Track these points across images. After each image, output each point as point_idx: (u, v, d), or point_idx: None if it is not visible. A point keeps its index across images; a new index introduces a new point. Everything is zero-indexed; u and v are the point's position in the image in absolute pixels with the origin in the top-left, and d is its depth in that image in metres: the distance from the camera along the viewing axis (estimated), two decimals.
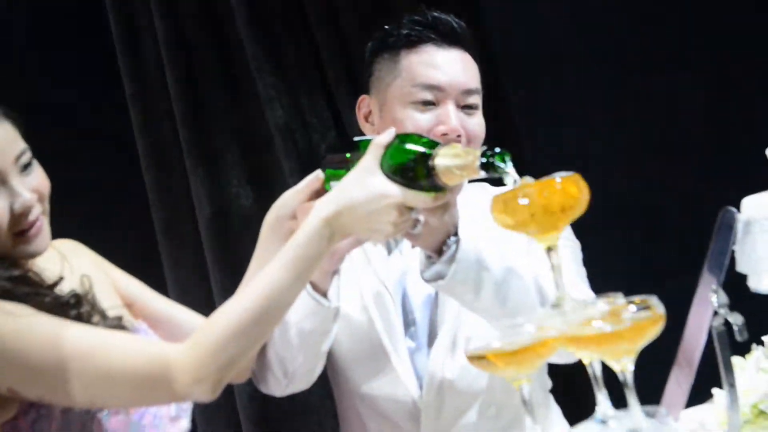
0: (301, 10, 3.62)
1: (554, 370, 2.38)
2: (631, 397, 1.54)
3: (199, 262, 3.71)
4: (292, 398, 3.59)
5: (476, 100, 2.25)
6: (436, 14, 2.28)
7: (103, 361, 1.74)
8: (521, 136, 3.24)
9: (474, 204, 2.20)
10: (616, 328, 1.46)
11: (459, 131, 2.20)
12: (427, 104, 2.21)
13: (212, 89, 3.67)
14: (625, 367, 1.52)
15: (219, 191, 3.66)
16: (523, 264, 2.05)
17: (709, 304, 1.78)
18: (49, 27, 3.65)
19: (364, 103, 2.31)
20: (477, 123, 2.24)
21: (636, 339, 1.48)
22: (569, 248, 2.25)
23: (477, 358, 1.57)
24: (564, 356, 2.08)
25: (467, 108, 2.24)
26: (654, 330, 1.49)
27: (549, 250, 1.60)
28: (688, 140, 3.31)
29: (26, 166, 1.87)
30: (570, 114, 3.34)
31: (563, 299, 1.58)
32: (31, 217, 1.86)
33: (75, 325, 1.81)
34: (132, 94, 3.71)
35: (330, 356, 2.28)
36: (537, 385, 2.33)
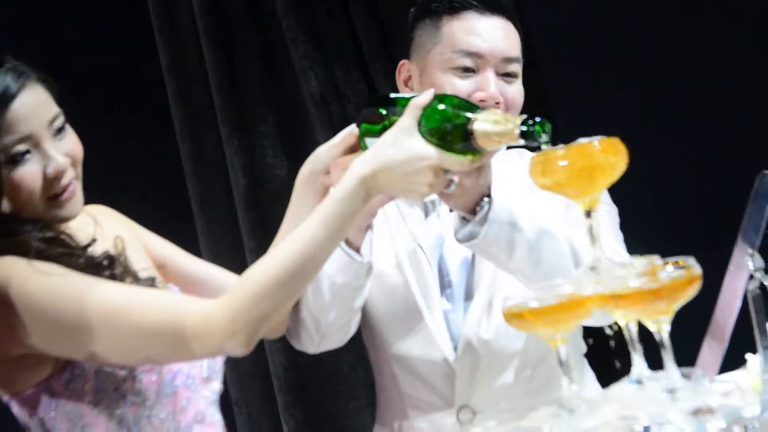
0: None
1: (587, 335, 2.39)
2: (668, 358, 1.55)
3: (234, 233, 3.74)
4: (325, 367, 3.66)
5: (516, 68, 2.26)
6: None
7: (137, 317, 1.77)
8: (552, 105, 3.25)
9: (511, 170, 2.21)
10: (652, 287, 1.47)
11: (498, 98, 2.21)
12: (467, 71, 2.22)
13: (247, 60, 3.69)
14: (661, 327, 1.54)
15: (254, 162, 3.69)
16: (557, 227, 2.06)
17: (744, 267, 1.79)
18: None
19: (404, 68, 2.32)
20: (516, 91, 2.25)
21: (673, 298, 1.49)
22: (607, 213, 2.26)
23: (513, 317, 1.58)
24: (600, 318, 2.09)
25: (507, 76, 2.25)
26: (691, 290, 1.50)
27: (587, 212, 1.62)
28: (725, 106, 3.29)
29: (59, 131, 1.88)
30: (604, 82, 3.34)
31: (600, 260, 1.60)
32: (64, 181, 1.87)
33: (108, 283, 1.83)
34: (168, 65, 3.74)
35: (365, 316, 2.30)
36: (572, 349, 2.34)
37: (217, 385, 2.00)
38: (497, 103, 2.22)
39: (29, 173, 1.85)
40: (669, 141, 3.29)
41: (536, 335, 1.61)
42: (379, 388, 2.39)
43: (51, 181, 1.87)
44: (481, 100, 2.18)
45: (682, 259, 1.52)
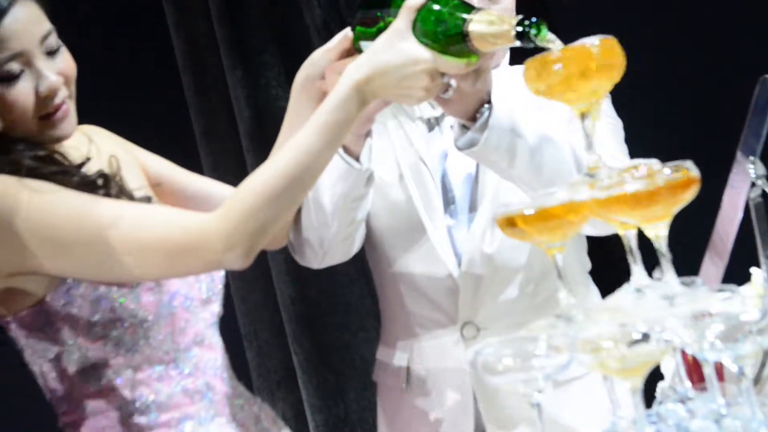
0: None
1: (594, 252, 2.38)
2: (666, 265, 1.53)
3: (239, 164, 3.72)
4: (334, 299, 3.65)
5: None
6: None
7: (132, 232, 1.74)
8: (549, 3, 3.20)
9: (513, 83, 2.17)
10: (649, 187, 1.44)
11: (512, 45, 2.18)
12: None
13: None
14: (659, 233, 1.51)
15: (258, 93, 3.66)
16: (560, 134, 2.04)
17: (746, 175, 1.76)
18: None
19: None
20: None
21: (670, 200, 1.46)
22: (611, 125, 2.23)
23: (507, 224, 1.56)
24: (600, 227, 2.07)
25: None
26: (688, 192, 1.47)
27: (583, 116, 1.58)
28: (726, 12, 3.24)
29: (52, 48, 1.85)
30: None
31: (598, 165, 1.57)
32: (57, 100, 1.84)
33: (103, 199, 1.81)
34: None
35: (368, 233, 2.28)
36: (576, 265, 2.33)
37: (216, 308, 1.98)
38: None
39: (21, 92, 1.82)
40: (667, 44, 3.23)
41: (532, 243, 1.59)
42: (383, 307, 2.39)
43: (43, 100, 1.83)
44: None
45: (679, 163, 1.49)
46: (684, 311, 1.45)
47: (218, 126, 3.74)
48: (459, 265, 2.23)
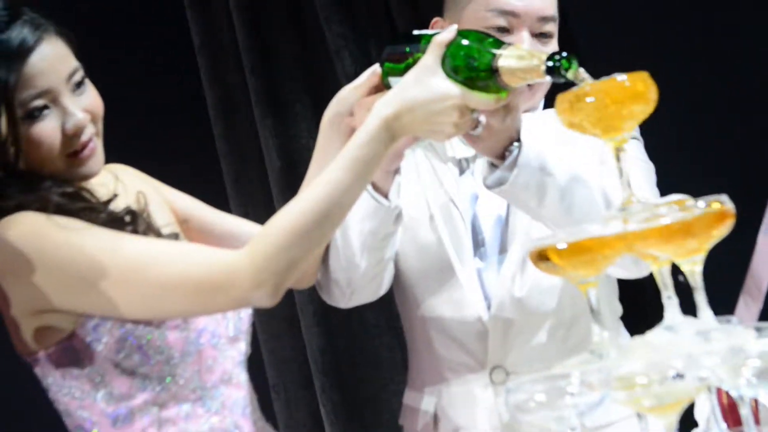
0: None
1: (623, 297, 2.35)
2: (701, 300, 1.50)
3: (269, 215, 3.69)
4: (363, 350, 3.63)
5: (552, 28, 2.22)
6: None
7: (160, 269, 1.74)
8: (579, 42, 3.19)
9: (545, 124, 2.17)
10: (683, 219, 1.42)
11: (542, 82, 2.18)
12: (502, 30, 2.17)
13: (281, 39, 3.66)
14: (694, 268, 1.49)
15: (289, 142, 3.66)
16: (590, 174, 2.02)
17: None
18: None
19: (438, 25, 2.28)
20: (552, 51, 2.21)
21: (705, 233, 1.44)
22: (644, 169, 2.21)
23: (539, 257, 1.54)
24: (631, 269, 2.05)
25: (542, 36, 2.20)
26: (724, 225, 1.45)
27: (617, 151, 1.57)
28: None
29: (79, 85, 1.85)
30: (636, 40, 3.28)
31: (631, 200, 1.55)
32: (84, 137, 1.84)
33: (131, 236, 1.81)
34: (200, 44, 3.72)
35: (397, 275, 2.27)
36: (607, 309, 2.30)
37: (243, 346, 1.96)
38: None
39: (47, 129, 1.82)
40: (699, 95, 3.21)
41: (565, 278, 1.57)
42: (411, 351, 2.36)
43: (70, 138, 1.83)
44: None
45: (714, 197, 1.47)
46: (719, 347, 1.42)
47: (249, 175, 3.74)
48: (488, 308, 2.21)
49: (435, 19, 2.29)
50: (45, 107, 1.81)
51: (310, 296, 3.60)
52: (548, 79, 1.69)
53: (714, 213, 1.44)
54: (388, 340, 3.60)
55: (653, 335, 1.53)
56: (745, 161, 3.04)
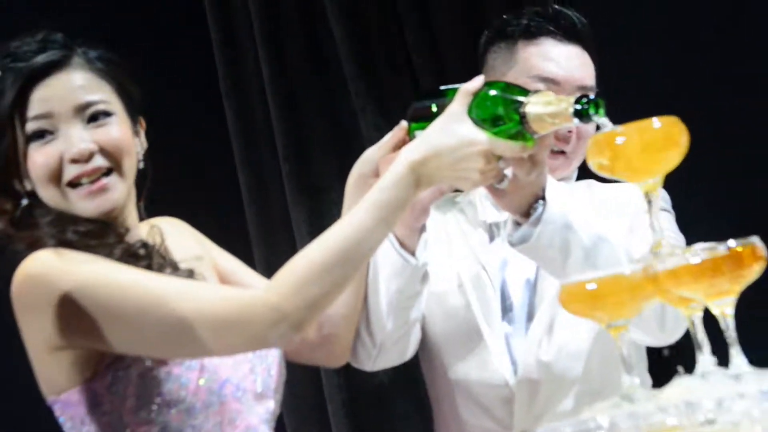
0: (406, 53, 3.64)
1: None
2: (733, 345, 1.48)
3: None
4: (385, 407, 3.58)
5: None
6: (557, 8, 2.30)
7: (174, 305, 1.72)
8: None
9: (577, 195, 2.17)
10: (713, 256, 1.41)
11: (571, 127, 2.19)
12: None
13: (315, 124, 3.70)
14: (725, 311, 1.47)
15: (323, 228, 3.66)
16: (618, 239, 2.01)
17: None
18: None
19: None
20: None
21: (735, 272, 1.42)
22: (668, 216, 2.21)
23: (569, 299, 1.53)
24: (659, 336, 2.04)
25: None
26: (755, 265, 1.43)
27: (647, 196, 1.56)
28: None
29: (95, 118, 1.86)
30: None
31: (661, 244, 1.54)
32: (88, 166, 1.83)
33: (143, 272, 1.80)
34: (234, 126, 3.77)
35: (423, 339, 2.24)
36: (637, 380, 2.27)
37: (272, 405, 1.93)
38: (569, 131, 2.21)
39: (44, 152, 1.83)
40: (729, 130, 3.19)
41: (594, 321, 1.55)
42: (435, 417, 2.33)
43: (69, 165, 1.83)
44: None
45: (745, 239, 1.46)
46: (751, 390, 1.40)
47: (279, 260, 3.74)
48: (515, 372, 2.18)
49: None
50: (47, 132, 1.84)
51: (338, 385, 3.58)
52: (576, 122, 1.70)
53: (745, 252, 1.42)
54: (414, 425, 3.55)
55: (685, 381, 1.51)
56: None
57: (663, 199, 2.22)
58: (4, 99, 1.84)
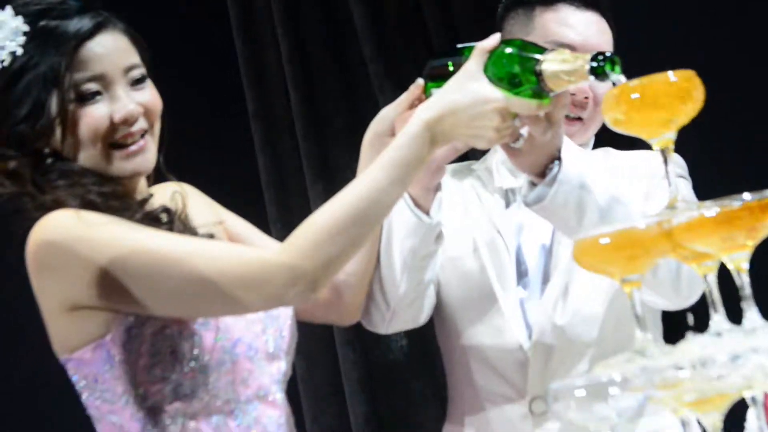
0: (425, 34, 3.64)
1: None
2: (748, 301, 1.47)
3: None
4: (406, 419, 3.58)
5: None
6: None
7: (194, 264, 1.72)
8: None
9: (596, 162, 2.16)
10: (728, 208, 1.39)
11: (587, 93, 2.20)
12: None
13: (333, 107, 3.70)
14: (739, 265, 1.46)
15: None
16: (631, 199, 2.01)
17: None
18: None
19: None
20: (607, 88, 2.22)
21: (750, 227, 1.41)
22: (685, 184, 2.20)
23: (581, 253, 1.52)
24: (672, 298, 2.03)
25: None
26: None
27: (663, 153, 1.55)
28: None
29: (138, 81, 1.87)
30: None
31: (676, 200, 1.53)
32: (133, 128, 1.84)
33: (165, 233, 1.81)
34: (254, 111, 3.78)
35: (439, 305, 2.24)
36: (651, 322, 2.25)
37: (283, 365, 1.93)
38: (586, 97, 2.21)
39: (96, 113, 1.83)
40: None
41: (607, 275, 1.54)
42: (450, 384, 2.32)
43: (117, 126, 1.83)
44: (571, 94, 2.15)
45: (761, 194, 1.44)
46: (765, 344, 1.39)
47: (291, 210, 3.75)
48: (529, 337, 2.18)
49: None
50: (97, 93, 1.83)
51: (354, 363, 3.59)
52: (592, 79, 1.69)
53: (760, 205, 1.41)
54: (434, 410, 3.54)
55: (698, 338, 1.50)
56: None
57: (680, 165, 2.21)
58: (51, 58, 1.82)
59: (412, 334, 3.44)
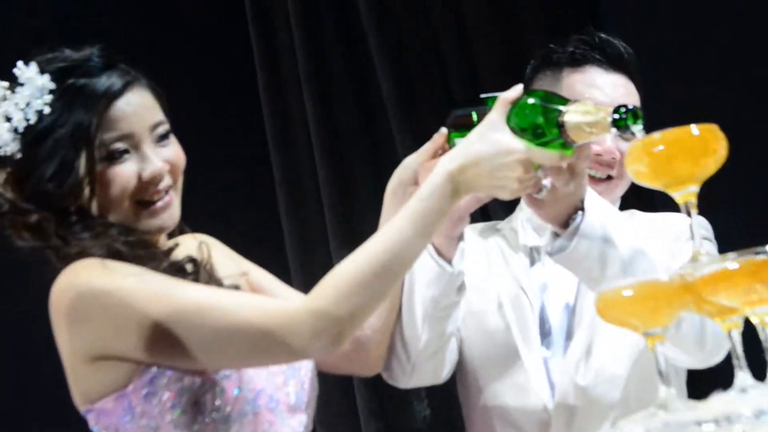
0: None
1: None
2: None
3: None
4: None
5: None
6: (604, 36, 2.30)
7: (220, 317, 1.73)
8: None
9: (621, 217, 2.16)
10: (750, 261, 1.39)
11: (614, 153, 2.20)
12: None
13: (360, 175, 3.73)
14: (764, 319, 1.45)
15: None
16: (656, 253, 1.99)
17: None
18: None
19: None
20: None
21: None
22: (710, 247, 2.18)
23: (605, 306, 1.51)
24: (699, 356, 2.01)
25: None
26: None
27: (685, 207, 1.55)
28: None
29: (163, 138, 1.88)
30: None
31: (699, 253, 1.53)
32: (160, 185, 1.86)
33: (190, 283, 1.81)
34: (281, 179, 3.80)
35: (461, 360, 2.23)
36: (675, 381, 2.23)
37: (305, 419, 1.92)
38: (613, 158, 2.21)
39: (124, 172, 1.84)
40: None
41: (630, 329, 1.53)
42: None
43: (145, 185, 1.85)
44: (597, 154, 2.16)
45: None
46: None
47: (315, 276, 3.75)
48: (553, 397, 2.16)
49: None
50: (126, 151, 1.85)
51: (372, 413, 3.57)
52: (614, 132, 1.69)
53: None
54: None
55: (722, 394, 1.49)
56: None
57: (704, 227, 2.20)
58: (80, 116, 1.83)
59: (435, 403, 3.43)
